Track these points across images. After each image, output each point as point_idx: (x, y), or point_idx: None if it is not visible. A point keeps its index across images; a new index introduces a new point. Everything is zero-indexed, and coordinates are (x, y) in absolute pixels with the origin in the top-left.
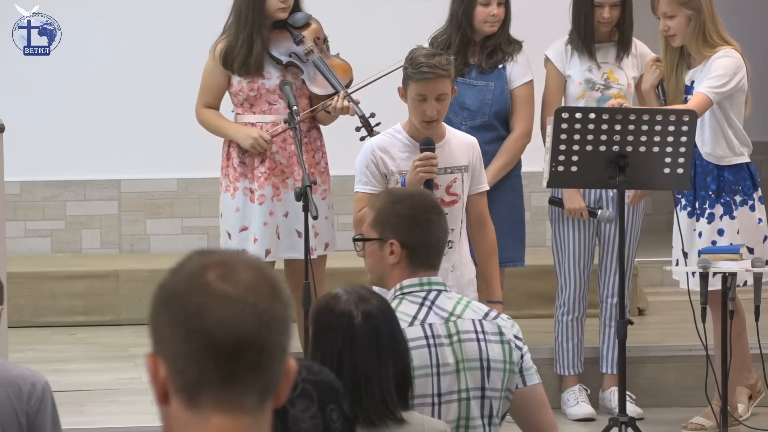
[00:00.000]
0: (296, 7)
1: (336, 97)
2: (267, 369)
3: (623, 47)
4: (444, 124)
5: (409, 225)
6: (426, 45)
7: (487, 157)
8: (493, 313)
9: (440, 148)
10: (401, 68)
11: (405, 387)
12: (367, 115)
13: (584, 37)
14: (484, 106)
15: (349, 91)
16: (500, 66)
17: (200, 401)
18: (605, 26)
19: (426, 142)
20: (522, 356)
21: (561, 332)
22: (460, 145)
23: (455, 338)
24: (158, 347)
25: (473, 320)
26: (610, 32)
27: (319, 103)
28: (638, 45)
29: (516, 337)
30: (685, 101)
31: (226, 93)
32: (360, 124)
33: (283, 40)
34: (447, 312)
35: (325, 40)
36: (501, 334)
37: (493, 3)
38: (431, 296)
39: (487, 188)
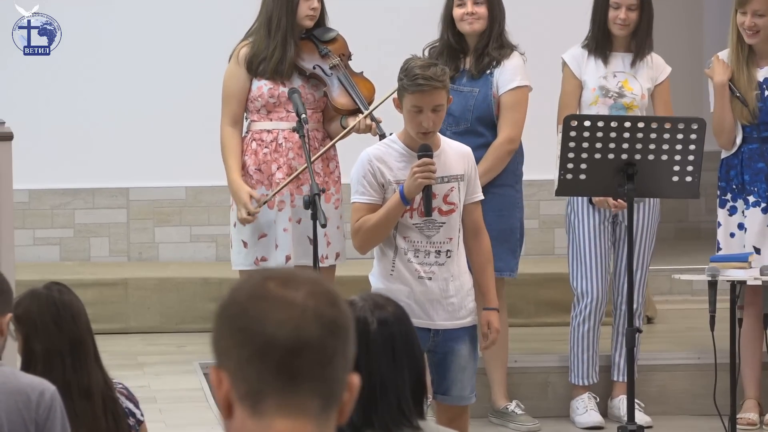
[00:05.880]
0: (321, 22)
1: (359, 116)
2: (328, 373)
3: (640, 51)
4: (438, 134)
5: None
6: (423, 53)
7: None
8: None
9: (436, 157)
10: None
11: (420, 394)
12: (387, 134)
13: (599, 40)
14: (467, 111)
15: (368, 109)
16: (488, 72)
17: (263, 407)
18: (621, 29)
19: (423, 148)
20: None
21: (576, 342)
22: (455, 154)
23: None
24: (220, 359)
25: None
26: (627, 41)
27: (337, 116)
28: (654, 56)
29: None
30: (763, 95)
31: None
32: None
33: (309, 51)
34: None
35: (350, 57)
36: None
37: (467, 2)
38: None
39: (482, 197)
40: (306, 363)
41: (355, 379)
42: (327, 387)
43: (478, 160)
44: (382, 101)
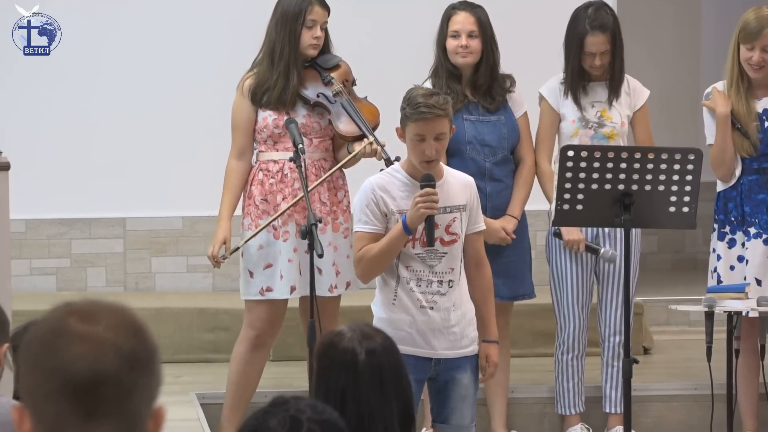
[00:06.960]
0: (325, 49)
1: (364, 141)
2: (127, 407)
3: (614, 89)
4: (441, 164)
5: None
6: (428, 77)
7: (509, 191)
8: None
9: (439, 187)
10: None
11: (408, 424)
12: (392, 158)
13: (573, 81)
14: (503, 140)
15: (372, 134)
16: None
17: None
18: (596, 70)
19: (426, 178)
20: None
21: (561, 371)
22: (457, 184)
23: None
24: (23, 398)
25: None
26: (602, 72)
27: (344, 143)
28: (631, 82)
29: None
30: (763, 127)
31: None
32: (385, 167)
33: (312, 80)
34: None
35: (354, 83)
36: None
37: (462, 34)
38: None
39: (483, 227)
40: (103, 398)
41: (162, 410)
42: (127, 421)
43: (511, 186)
44: (361, 151)
